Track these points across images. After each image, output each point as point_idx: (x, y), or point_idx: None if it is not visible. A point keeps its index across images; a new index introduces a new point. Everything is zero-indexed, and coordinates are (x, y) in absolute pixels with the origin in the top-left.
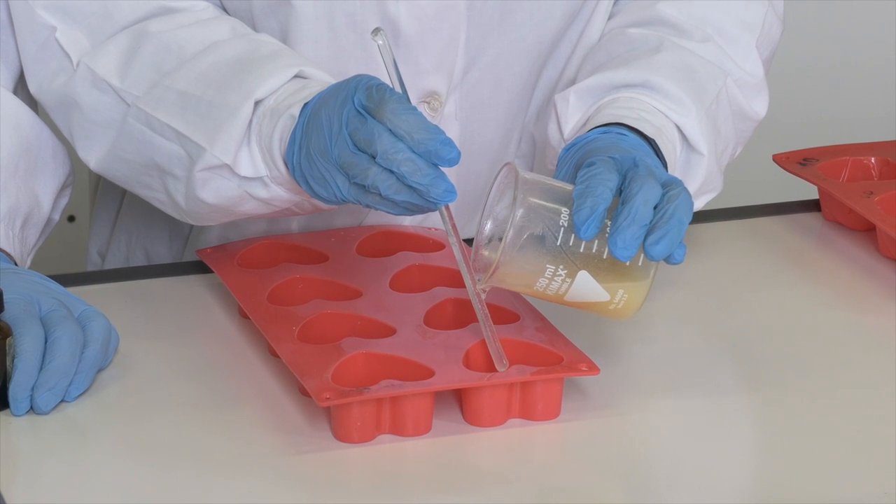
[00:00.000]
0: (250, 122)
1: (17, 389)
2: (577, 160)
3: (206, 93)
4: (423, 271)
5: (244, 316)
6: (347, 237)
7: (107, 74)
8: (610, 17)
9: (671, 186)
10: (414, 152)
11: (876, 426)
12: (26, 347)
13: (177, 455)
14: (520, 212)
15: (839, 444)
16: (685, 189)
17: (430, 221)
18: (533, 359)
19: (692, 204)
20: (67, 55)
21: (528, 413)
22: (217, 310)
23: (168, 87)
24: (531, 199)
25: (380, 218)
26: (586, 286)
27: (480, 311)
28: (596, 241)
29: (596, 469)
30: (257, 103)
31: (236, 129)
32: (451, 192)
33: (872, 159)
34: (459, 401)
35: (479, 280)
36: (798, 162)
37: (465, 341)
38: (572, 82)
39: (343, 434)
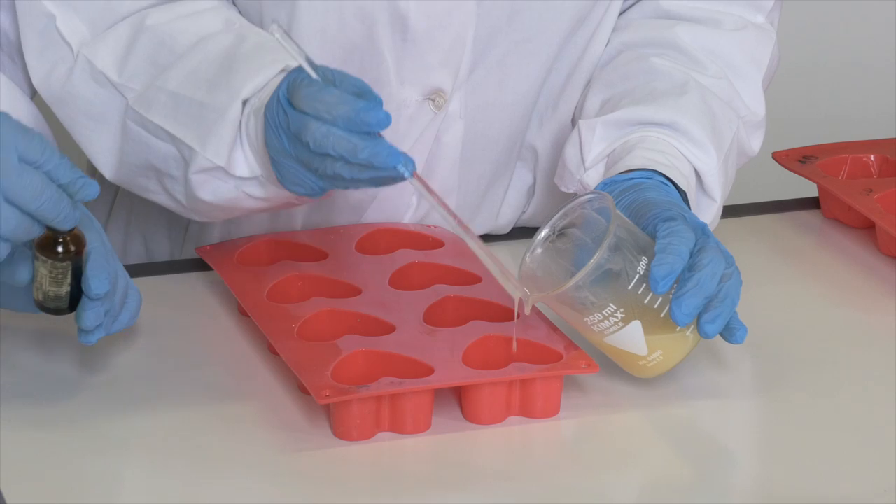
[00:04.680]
0: (240, 122)
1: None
2: (629, 203)
3: (196, 93)
4: (422, 269)
5: (243, 314)
6: (347, 235)
7: (105, 68)
8: (620, 29)
9: (727, 265)
10: (345, 129)
11: (876, 423)
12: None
13: (176, 452)
14: (611, 242)
15: (839, 441)
16: (737, 270)
17: (430, 219)
18: (532, 356)
19: (741, 285)
20: (68, 44)
21: (528, 410)
22: (216, 307)
23: (160, 88)
24: (622, 238)
25: (380, 214)
26: (632, 336)
27: (482, 251)
28: (661, 298)
29: (595, 466)
30: (244, 102)
31: (226, 130)
32: (395, 154)
33: (872, 157)
34: (459, 398)
35: (532, 295)
36: (798, 160)
37: (465, 339)
38: (582, 90)
39: (342, 431)
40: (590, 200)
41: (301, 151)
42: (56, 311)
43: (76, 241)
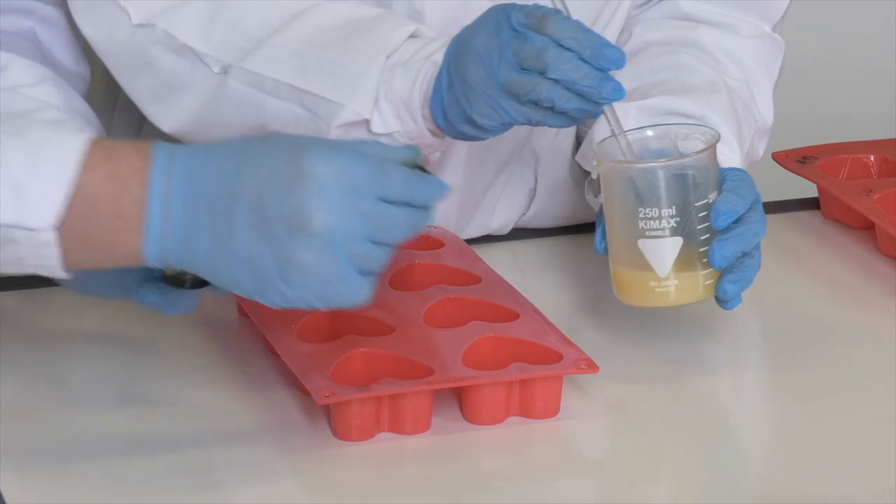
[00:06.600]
0: (380, 78)
1: None
2: None
3: (326, 52)
4: (422, 269)
5: (243, 314)
6: None
7: (189, 41)
8: (642, 26)
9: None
10: (581, 59)
11: (875, 424)
12: None
13: (175, 453)
14: (701, 157)
15: (838, 441)
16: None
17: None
18: (532, 356)
19: (759, 269)
20: (125, 12)
21: (528, 411)
22: (216, 308)
23: (278, 48)
24: (711, 165)
25: None
26: (665, 251)
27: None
28: (708, 234)
29: (595, 467)
30: (386, 58)
31: (372, 83)
32: (619, 89)
33: (871, 157)
34: (458, 399)
35: (606, 161)
36: (797, 160)
37: (465, 339)
38: None
39: (342, 432)
40: (689, 134)
41: (517, 75)
42: (175, 283)
43: None
